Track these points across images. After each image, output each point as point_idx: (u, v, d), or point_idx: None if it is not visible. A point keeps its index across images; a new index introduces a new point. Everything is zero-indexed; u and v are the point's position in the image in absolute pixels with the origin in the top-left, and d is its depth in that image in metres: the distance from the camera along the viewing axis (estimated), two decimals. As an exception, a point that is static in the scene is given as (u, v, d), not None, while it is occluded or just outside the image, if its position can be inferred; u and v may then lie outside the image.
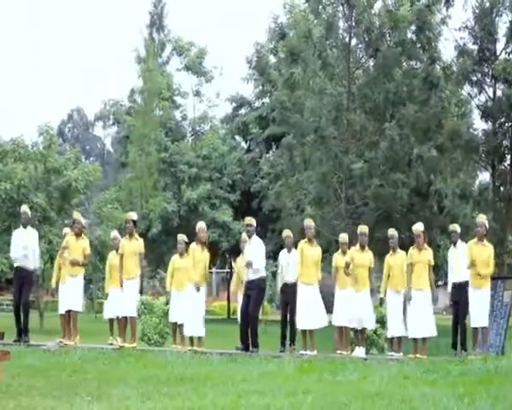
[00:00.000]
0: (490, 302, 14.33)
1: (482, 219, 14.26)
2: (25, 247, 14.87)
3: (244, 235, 15.55)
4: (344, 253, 14.84)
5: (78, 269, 14.81)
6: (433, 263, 14.23)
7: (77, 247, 14.75)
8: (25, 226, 15.08)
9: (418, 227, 14.32)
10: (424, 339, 14.10)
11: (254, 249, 14.31)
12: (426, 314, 14.02)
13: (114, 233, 16.33)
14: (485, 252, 13.85)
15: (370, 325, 15.02)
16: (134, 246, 14.59)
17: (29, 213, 15.46)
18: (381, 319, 15.64)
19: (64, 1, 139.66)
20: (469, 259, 13.71)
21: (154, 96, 42.48)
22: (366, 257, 14.56)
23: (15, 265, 15.17)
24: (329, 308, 14.82)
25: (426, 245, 14.24)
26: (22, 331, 14.92)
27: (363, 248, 14.65)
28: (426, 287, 14.03)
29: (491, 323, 15.06)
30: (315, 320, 14.31)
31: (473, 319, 13.87)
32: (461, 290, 14.19)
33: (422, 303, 13.99)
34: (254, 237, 14.52)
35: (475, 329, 13.89)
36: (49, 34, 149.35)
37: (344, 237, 15.17)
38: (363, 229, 14.94)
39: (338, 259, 14.95)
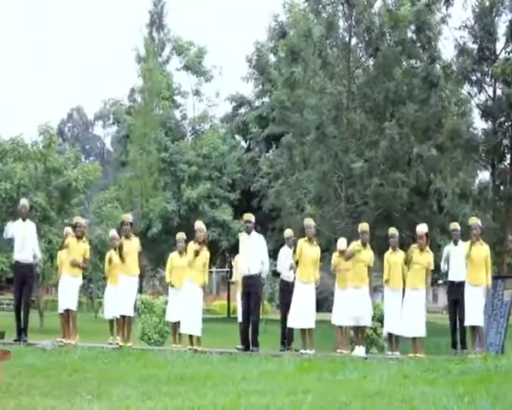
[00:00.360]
0: (490, 301, 14.35)
1: (475, 220, 14.36)
2: (23, 238, 14.92)
3: (242, 235, 15.52)
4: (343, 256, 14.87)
5: (77, 270, 14.84)
6: (432, 267, 14.21)
7: (77, 249, 14.77)
8: (23, 219, 15.10)
9: (422, 229, 14.29)
10: (420, 338, 14.12)
11: (258, 246, 14.31)
12: (418, 314, 14.03)
13: (113, 233, 16.32)
14: (482, 251, 13.93)
15: (367, 322, 14.97)
16: (133, 244, 14.69)
17: (28, 206, 15.54)
18: (382, 318, 15.62)
19: (64, 1, 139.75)
20: (467, 255, 13.82)
21: (154, 96, 42.45)
22: (367, 254, 14.53)
23: (15, 259, 15.17)
24: (329, 307, 14.82)
25: (428, 248, 14.24)
26: (22, 330, 14.93)
27: (364, 245, 14.64)
28: (421, 287, 14.05)
29: (491, 322, 15.08)
30: (304, 320, 14.26)
31: (467, 318, 13.88)
32: (460, 289, 14.20)
33: (416, 303, 14.01)
34: (254, 233, 14.52)
35: (473, 328, 13.91)
36: (49, 34, 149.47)
37: (342, 241, 15.10)
38: (363, 227, 14.90)
39: (337, 260, 14.93)
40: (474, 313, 13.74)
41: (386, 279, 14.45)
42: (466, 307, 13.89)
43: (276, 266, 16.03)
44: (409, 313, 14.00)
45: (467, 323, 13.95)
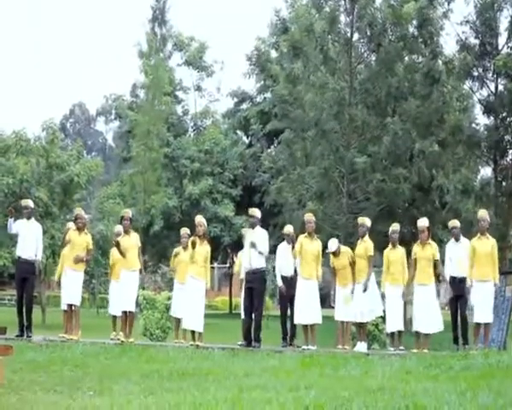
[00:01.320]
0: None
1: (484, 213, 14.32)
2: (27, 236, 14.91)
3: (244, 230, 15.52)
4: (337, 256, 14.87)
5: (81, 264, 14.85)
6: (438, 257, 14.14)
7: (80, 242, 14.77)
8: (28, 219, 15.08)
9: (423, 223, 14.30)
10: (427, 334, 14.08)
11: (258, 236, 14.30)
12: (431, 309, 13.95)
13: (118, 228, 16.28)
14: (488, 245, 13.87)
15: (368, 318, 14.93)
16: (133, 240, 14.74)
17: (31, 206, 15.40)
18: (384, 314, 15.60)
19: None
20: (471, 258, 13.78)
21: (158, 91, 42.33)
22: (364, 247, 14.50)
23: (17, 254, 15.18)
24: (330, 303, 14.81)
25: (430, 240, 14.22)
26: (25, 327, 14.93)
27: (361, 238, 14.64)
28: (429, 282, 13.98)
29: (493, 318, 15.05)
30: (310, 316, 14.25)
31: (476, 315, 13.85)
32: (462, 285, 14.18)
33: (426, 298, 13.96)
34: (258, 228, 14.51)
35: (478, 324, 13.88)
36: (51, 30, 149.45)
37: (333, 242, 15.04)
38: (360, 220, 14.97)
39: (333, 260, 14.91)
40: (482, 310, 13.72)
41: (385, 277, 14.47)
42: (474, 304, 13.87)
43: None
44: (420, 309, 13.96)
45: (475, 320, 13.91)
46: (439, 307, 14.25)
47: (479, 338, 13.86)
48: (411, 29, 31.70)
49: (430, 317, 13.91)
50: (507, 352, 13.35)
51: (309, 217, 14.88)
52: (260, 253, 14.21)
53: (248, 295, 14.35)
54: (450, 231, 15.08)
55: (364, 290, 14.26)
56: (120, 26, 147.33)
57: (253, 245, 14.16)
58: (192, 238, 14.49)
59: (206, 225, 14.77)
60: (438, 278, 14.46)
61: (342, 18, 32.08)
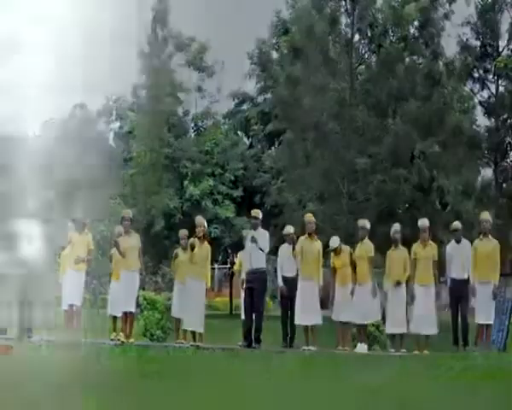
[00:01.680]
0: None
1: (486, 215, 14.33)
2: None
3: (245, 231, 15.52)
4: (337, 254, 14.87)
5: (82, 264, 14.85)
6: (436, 258, 14.18)
7: (81, 242, 14.78)
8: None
9: (424, 223, 14.31)
10: (427, 335, 14.07)
11: (260, 236, 14.31)
12: (429, 311, 13.97)
13: (119, 228, 16.27)
14: (490, 246, 13.87)
15: (371, 319, 14.93)
16: (133, 240, 14.72)
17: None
18: (384, 315, 15.59)
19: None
20: (473, 260, 13.79)
21: (161, 93, 42.23)
22: (364, 248, 14.50)
23: None
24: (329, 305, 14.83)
25: (430, 241, 14.23)
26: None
27: (361, 240, 14.65)
28: (430, 283, 14.00)
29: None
30: (311, 316, 14.25)
31: (478, 315, 13.86)
32: (464, 286, 14.18)
33: (426, 299, 13.96)
34: (260, 229, 14.52)
35: (480, 325, 13.88)
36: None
37: (335, 240, 15.04)
38: (361, 223, 14.97)
39: (335, 260, 14.90)
40: (483, 311, 13.74)
41: (387, 277, 14.46)
42: (476, 305, 13.89)
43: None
44: (419, 309, 13.96)
45: (477, 320, 13.94)
46: (434, 308, 14.26)
47: (482, 339, 13.86)
48: (412, 30, 31.74)
49: (431, 318, 13.91)
50: (507, 353, 13.35)
51: (309, 218, 14.89)
52: (261, 249, 14.20)
53: (249, 295, 14.36)
54: (452, 233, 15.07)
55: (374, 296, 14.28)
56: (121, 26, 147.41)
57: (254, 240, 14.17)
58: (191, 241, 14.47)
59: (206, 225, 14.77)
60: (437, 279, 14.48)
61: (343, 19, 32.17)
